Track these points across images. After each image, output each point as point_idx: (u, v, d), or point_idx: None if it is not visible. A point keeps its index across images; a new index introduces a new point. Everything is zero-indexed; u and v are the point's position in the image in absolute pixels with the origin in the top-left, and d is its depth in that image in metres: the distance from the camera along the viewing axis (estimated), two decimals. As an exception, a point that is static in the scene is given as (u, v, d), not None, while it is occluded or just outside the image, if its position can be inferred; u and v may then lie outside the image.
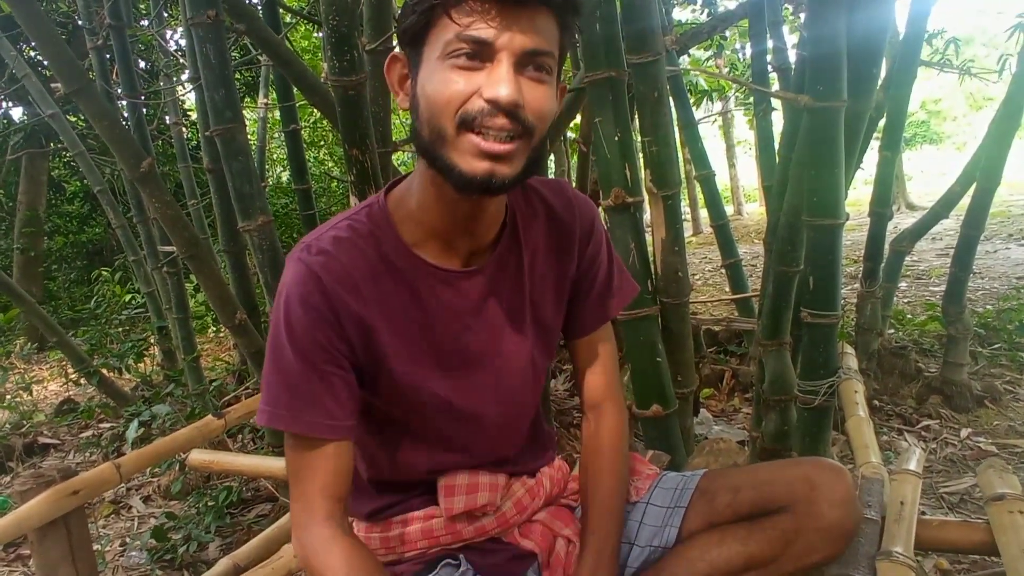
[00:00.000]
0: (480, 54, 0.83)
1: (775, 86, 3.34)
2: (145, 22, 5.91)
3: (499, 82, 0.82)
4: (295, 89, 3.71)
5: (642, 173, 2.19)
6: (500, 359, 1.09)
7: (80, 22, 4.12)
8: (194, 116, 5.81)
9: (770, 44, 3.30)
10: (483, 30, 0.82)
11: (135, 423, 2.89)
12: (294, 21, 6.00)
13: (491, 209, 1.01)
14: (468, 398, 1.08)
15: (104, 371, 4.46)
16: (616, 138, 2.06)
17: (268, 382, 0.96)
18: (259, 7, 3.88)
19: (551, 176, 3.64)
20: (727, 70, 9.62)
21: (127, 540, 2.92)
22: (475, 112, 0.84)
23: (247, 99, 7.64)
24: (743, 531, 1.11)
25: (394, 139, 2.61)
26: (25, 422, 4.56)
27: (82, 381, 4.69)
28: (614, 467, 1.20)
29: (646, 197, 2.23)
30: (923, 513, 1.41)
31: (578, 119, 3.96)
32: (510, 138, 0.85)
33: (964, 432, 3.04)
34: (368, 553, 0.98)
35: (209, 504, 2.89)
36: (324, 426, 0.95)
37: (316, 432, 0.95)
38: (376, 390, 1.03)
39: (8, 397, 4.56)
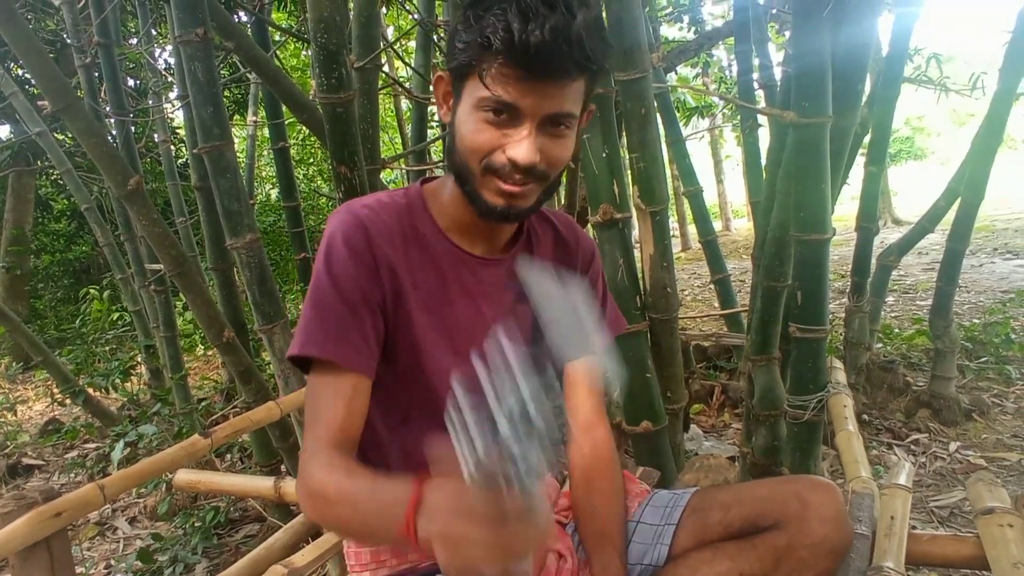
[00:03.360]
0: (507, 113, 0.92)
1: (762, 103, 3.37)
2: (134, 40, 5.92)
3: (519, 145, 0.93)
4: (284, 107, 3.72)
5: (630, 189, 2.20)
6: None
7: (68, 40, 4.12)
8: (182, 134, 5.81)
9: (756, 61, 3.34)
10: (512, 97, 0.91)
11: (121, 443, 2.86)
12: (283, 39, 6.02)
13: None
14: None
15: (90, 390, 4.42)
16: (604, 155, 2.07)
17: (305, 318, 1.01)
18: (248, 25, 3.90)
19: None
20: (714, 87, 9.71)
21: (112, 562, 2.88)
22: (497, 165, 0.95)
23: (236, 117, 7.64)
24: (734, 548, 1.11)
25: (382, 156, 2.61)
26: (9, 443, 4.51)
27: (68, 401, 4.65)
28: (617, 483, 1.24)
29: (634, 213, 2.24)
30: (913, 527, 1.41)
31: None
32: (525, 183, 0.97)
33: (953, 446, 3.05)
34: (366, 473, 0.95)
35: (196, 525, 2.86)
36: (351, 356, 0.98)
37: (342, 359, 0.98)
38: (394, 350, 1.06)
39: (-8, 417, 4.50)
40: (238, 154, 2.75)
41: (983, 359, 3.94)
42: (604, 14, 2.08)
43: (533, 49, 0.86)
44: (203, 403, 4.17)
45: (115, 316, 5.55)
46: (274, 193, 10.65)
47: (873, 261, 3.59)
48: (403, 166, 3.87)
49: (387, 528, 0.78)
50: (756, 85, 3.42)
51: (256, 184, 8.95)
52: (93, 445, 4.35)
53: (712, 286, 4.45)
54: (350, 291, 1.00)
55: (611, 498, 1.21)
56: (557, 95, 0.92)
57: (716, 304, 4.75)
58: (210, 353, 6.52)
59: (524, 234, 1.17)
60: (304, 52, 8.71)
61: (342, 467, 0.91)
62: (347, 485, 0.88)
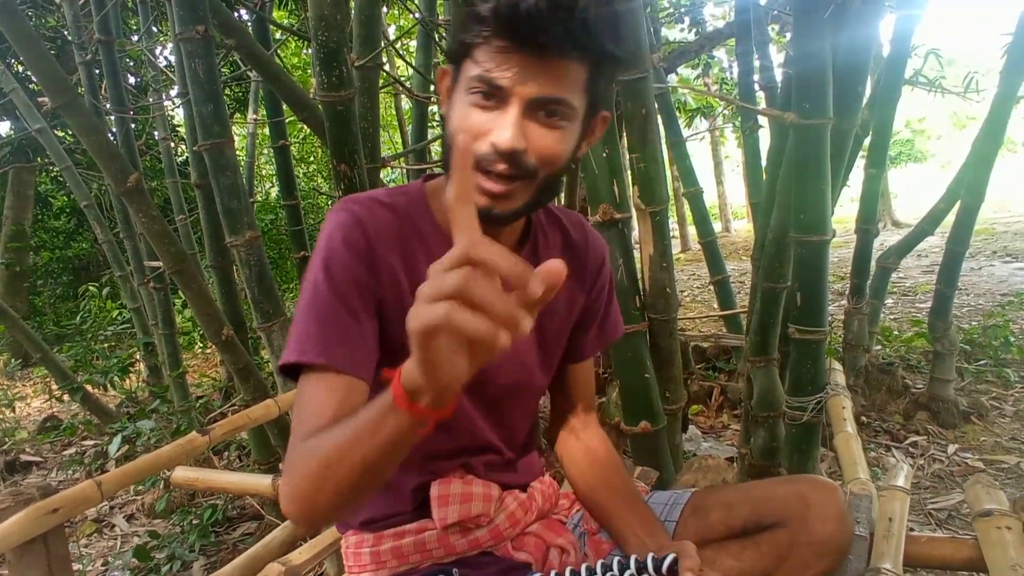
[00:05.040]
0: (496, 96, 0.86)
1: (762, 104, 3.37)
2: (135, 37, 5.91)
3: (503, 128, 0.86)
4: (284, 105, 3.71)
5: (630, 189, 2.20)
6: (502, 359, 1.09)
7: (69, 37, 4.11)
8: (183, 131, 5.80)
9: (757, 63, 3.34)
10: (498, 75, 0.85)
11: (118, 439, 2.85)
12: (284, 37, 6.02)
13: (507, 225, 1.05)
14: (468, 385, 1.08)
15: (88, 387, 4.42)
16: (604, 154, 2.07)
17: (301, 322, 0.94)
18: (249, 23, 3.89)
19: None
20: (715, 88, 9.71)
21: (109, 559, 2.87)
22: (480, 154, 0.88)
23: (236, 115, 7.64)
24: (736, 547, 1.12)
25: (383, 155, 2.61)
26: (7, 439, 4.50)
27: (66, 398, 4.65)
28: (620, 463, 1.26)
29: (634, 213, 2.24)
30: (911, 529, 1.41)
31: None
32: (509, 180, 0.89)
33: (951, 448, 3.05)
34: None
35: (194, 522, 2.86)
36: (350, 361, 0.92)
37: (341, 364, 0.92)
38: (397, 349, 0.96)
39: (-10, 414, 4.50)
40: (238, 152, 2.75)
41: (982, 362, 3.94)
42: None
43: (523, 16, 0.80)
44: (201, 400, 4.17)
45: (114, 313, 5.54)
46: (274, 191, 10.66)
47: (873, 263, 3.59)
48: (403, 165, 3.86)
49: (376, 423, 0.74)
50: (757, 86, 3.42)
51: (256, 182, 8.95)
52: (91, 442, 4.34)
53: (711, 287, 4.45)
54: (350, 294, 0.95)
55: (630, 479, 1.25)
56: (548, 76, 0.85)
57: (715, 305, 4.75)
58: (209, 351, 6.52)
59: (531, 236, 1.12)
60: (305, 50, 8.71)
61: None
62: (323, 434, 0.83)
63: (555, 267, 0.61)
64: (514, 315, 0.60)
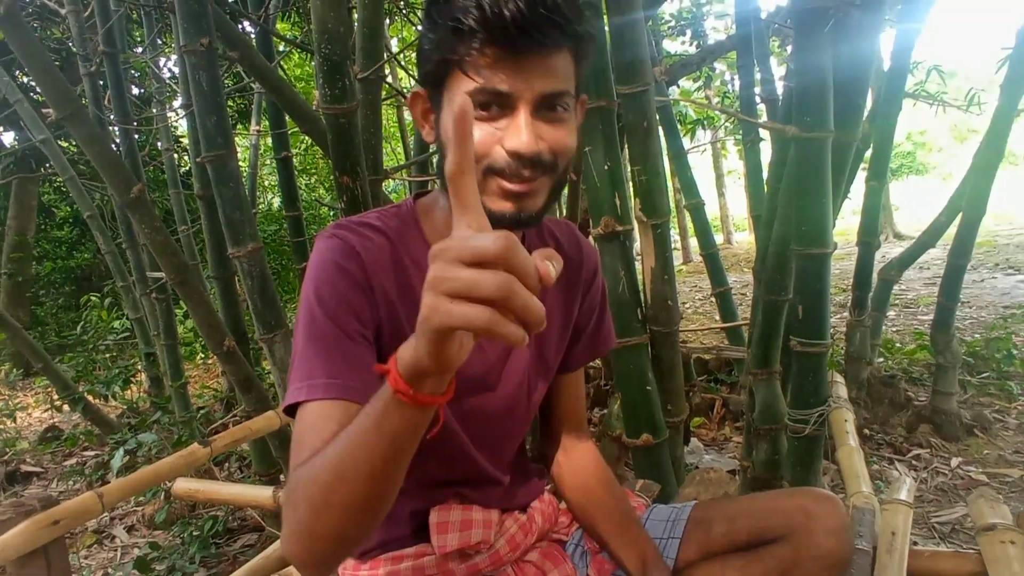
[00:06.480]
0: (498, 103, 0.85)
1: (763, 117, 3.38)
2: (139, 49, 5.95)
3: (519, 134, 0.85)
4: (287, 117, 3.73)
5: (632, 202, 2.20)
6: (499, 383, 1.10)
7: (74, 48, 4.14)
8: (186, 142, 5.83)
9: (758, 76, 3.35)
10: (499, 82, 0.84)
11: (120, 451, 2.85)
12: (287, 50, 6.06)
13: None
14: (463, 413, 1.07)
15: (90, 398, 4.42)
16: (606, 167, 2.07)
17: (301, 354, 0.91)
18: (252, 35, 3.92)
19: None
20: (716, 101, 9.74)
21: (110, 571, 2.86)
22: (500, 164, 0.87)
23: (239, 126, 7.67)
24: (741, 561, 1.11)
25: (385, 167, 2.62)
26: (8, 450, 4.50)
27: (67, 408, 4.65)
28: (614, 480, 1.24)
29: (636, 226, 2.24)
30: (914, 543, 1.40)
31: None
32: (533, 178, 0.88)
33: (954, 461, 3.04)
34: None
35: (194, 534, 2.85)
36: (352, 388, 0.88)
37: (343, 393, 0.88)
38: None
39: (-9, 424, 4.50)
40: (241, 163, 2.76)
41: (985, 374, 3.93)
42: (606, 28, 2.09)
43: (511, 19, 0.79)
44: (203, 412, 4.16)
45: (116, 324, 5.55)
46: (276, 202, 10.70)
47: (874, 275, 3.59)
48: (405, 177, 3.88)
49: (379, 422, 0.70)
50: (758, 99, 3.43)
51: (258, 193, 8.98)
52: (92, 453, 4.34)
53: (713, 299, 4.45)
54: (347, 321, 0.92)
55: (622, 494, 1.24)
56: (546, 71, 0.85)
57: (717, 317, 4.75)
58: (210, 361, 6.52)
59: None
60: (308, 63, 8.76)
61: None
62: (317, 457, 0.77)
63: (545, 270, 0.58)
64: (542, 316, 0.57)
